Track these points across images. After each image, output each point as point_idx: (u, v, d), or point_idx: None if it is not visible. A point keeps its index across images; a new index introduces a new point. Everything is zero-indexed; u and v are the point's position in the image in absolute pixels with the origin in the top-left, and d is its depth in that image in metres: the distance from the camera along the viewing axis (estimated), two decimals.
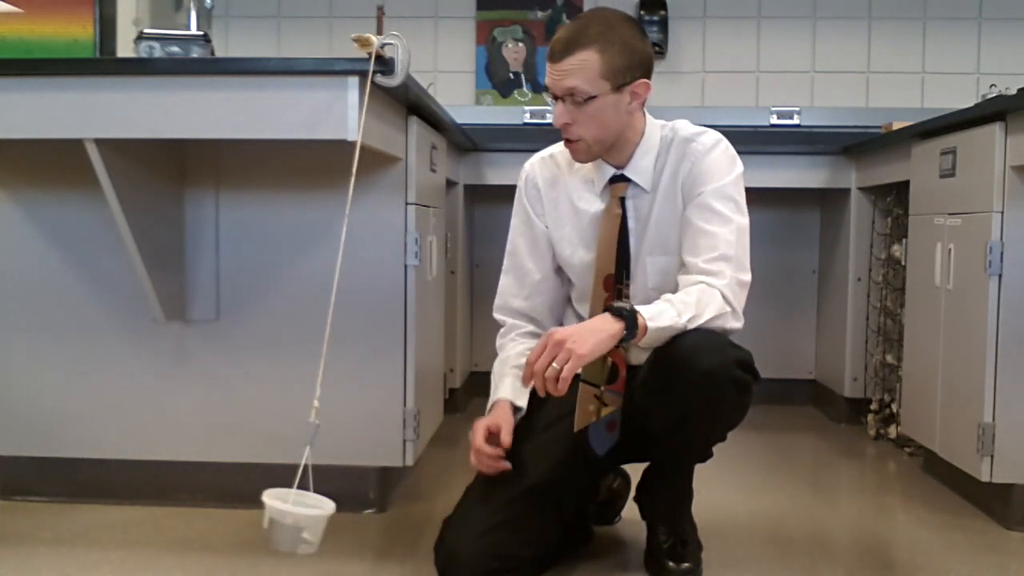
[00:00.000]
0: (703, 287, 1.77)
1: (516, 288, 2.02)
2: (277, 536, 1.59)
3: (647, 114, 1.93)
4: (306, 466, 1.65)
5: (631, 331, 1.68)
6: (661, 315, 1.71)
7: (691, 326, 1.73)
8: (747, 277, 1.83)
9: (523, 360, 1.77)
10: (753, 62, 3.95)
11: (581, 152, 1.87)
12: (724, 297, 1.77)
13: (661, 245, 1.90)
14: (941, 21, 3.89)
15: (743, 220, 1.85)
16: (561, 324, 2.05)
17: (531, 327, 2.01)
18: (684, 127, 1.92)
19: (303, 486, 1.65)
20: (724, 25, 3.94)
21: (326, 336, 1.80)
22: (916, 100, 3.90)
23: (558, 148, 1.99)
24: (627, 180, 1.90)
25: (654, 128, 1.92)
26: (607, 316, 1.70)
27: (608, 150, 1.88)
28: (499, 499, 1.81)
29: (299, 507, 1.61)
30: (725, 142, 1.91)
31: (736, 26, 3.94)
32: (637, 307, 1.72)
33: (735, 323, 1.80)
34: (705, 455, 1.89)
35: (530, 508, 1.82)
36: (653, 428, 1.84)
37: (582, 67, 1.78)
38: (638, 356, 1.87)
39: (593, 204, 1.94)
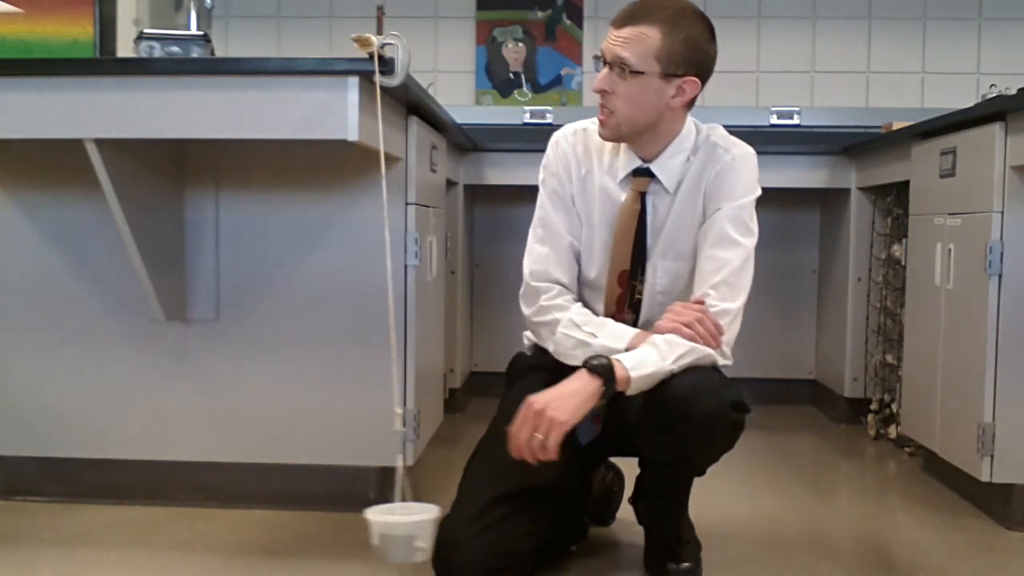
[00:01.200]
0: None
1: (556, 257, 1.92)
2: (390, 550, 1.60)
3: (690, 118, 1.91)
4: (403, 477, 1.65)
5: (609, 385, 1.68)
6: (644, 363, 1.70)
7: (677, 366, 1.71)
8: (742, 301, 1.82)
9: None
10: (753, 62, 3.95)
11: (609, 128, 1.84)
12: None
13: (674, 249, 1.89)
14: (941, 21, 3.89)
15: (750, 242, 1.84)
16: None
17: (573, 294, 1.94)
18: (719, 133, 1.91)
19: (401, 497, 1.66)
20: (724, 25, 3.88)
21: (392, 341, 1.80)
22: (916, 100, 3.90)
23: (591, 124, 1.95)
24: (651, 175, 1.88)
25: (691, 131, 1.90)
26: (583, 374, 1.68)
27: (638, 137, 1.86)
28: (490, 496, 1.80)
29: (406, 517, 1.61)
30: (754, 157, 1.89)
31: (736, 26, 3.94)
32: (618, 356, 1.70)
33: (724, 361, 1.80)
34: (698, 475, 1.90)
35: (523, 504, 1.82)
36: (648, 460, 1.86)
37: (640, 40, 1.77)
38: None
39: (615, 192, 1.91)
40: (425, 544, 1.61)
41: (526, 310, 1.94)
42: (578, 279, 1.98)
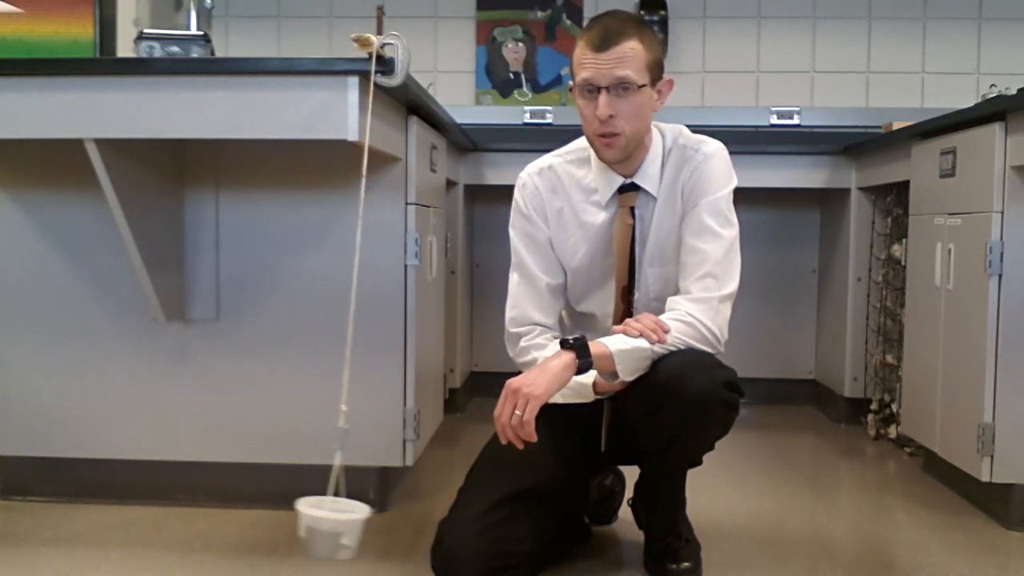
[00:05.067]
0: (679, 325, 1.77)
1: (535, 300, 1.95)
2: (315, 544, 1.60)
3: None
4: (338, 472, 1.65)
5: (583, 358, 1.71)
6: (623, 341, 1.73)
7: (664, 342, 1.74)
8: (730, 289, 1.83)
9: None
10: (753, 62, 3.95)
11: (618, 148, 1.83)
12: (703, 324, 1.78)
13: (660, 255, 1.90)
14: (941, 21, 3.89)
15: (732, 232, 1.86)
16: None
17: (555, 332, 1.98)
18: (685, 134, 1.92)
19: (333, 492, 1.65)
20: (724, 25, 3.95)
21: (348, 339, 1.80)
22: (916, 100, 3.90)
23: (554, 159, 1.97)
24: (636, 188, 1.89)
25: (658, 136, 1.92)
26: (559, 351, 1.73)
27: (633, 152, 1.87)
28: (493, 498, 1.81)
29: (335, 513, 1.61)
30: (725, 152, 1.91)
31: (736, 26, 3.94)
32: (599, 339, 1.75)
33: (717, 347, 1.81)
34: (695, 463, 1.91)
35: (525, 506, 1.83)
36: (643, 445, 1.86)
37: (633, 55, 1.78)
38: None
39: (597, 216, 1.92)
40: (351, 543, 1.60)
41: (510, 353, 1.98)
42: (569, 309, 2.01)
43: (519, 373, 1.95)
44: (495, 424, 1.71)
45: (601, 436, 1.97)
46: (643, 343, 1.73)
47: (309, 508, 1.61)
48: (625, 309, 1.92)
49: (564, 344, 1.73)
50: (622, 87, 1.78)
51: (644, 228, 1.91)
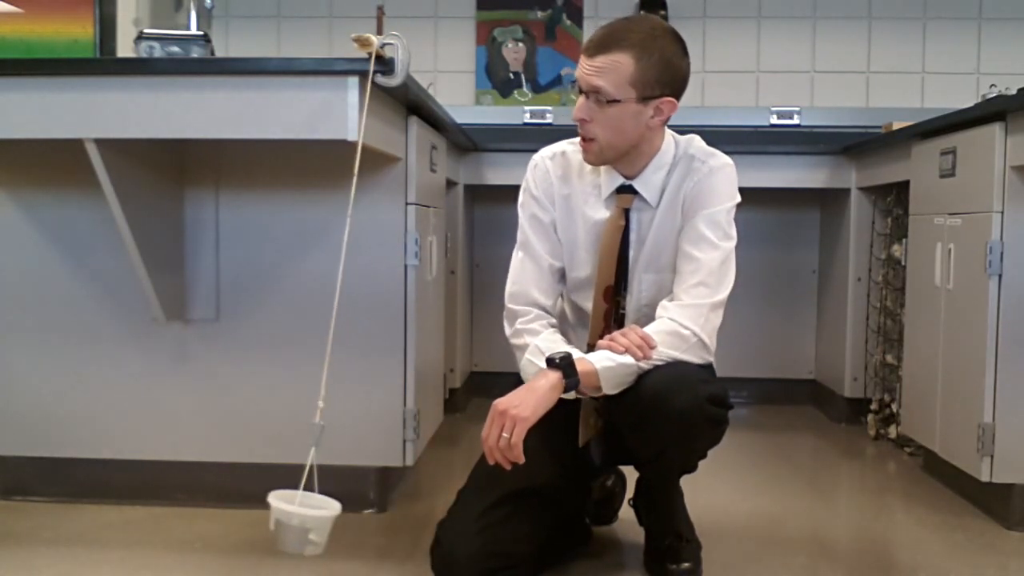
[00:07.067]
0: (666, 337, 1.77)
1: (536, 279, 1.94)
2: (284, 537, 1.60)
3: (668, 132, 1.92)
4: (311, 467, 1.65)
5: (570, 377, 1.70)
6: (609, 357, 1.73)
7: (649, 358, 1.73)
8: (721, 297, 1.82)
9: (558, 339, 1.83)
10: (753, 62, 3.95)
11: (593, 153, 1.85)
12: (691, 332, 1.77)
13: (656, 262, 1.90)
14: (941, 21, 3.89)
15: (728, 245, 1.85)
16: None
17: (551, 319, 1.97)
18: (696, 146, 1.92)
19: (308, 487, 1.65)
20: (724, 25, 3.94)
21: (329, 337, 1.80)
22: (916, 100, 3.90)
23: (568, 146, 1.97)
24: (634, 192, 1.89)
25: (670, 145, 1.91)
26: (545, 371, 1.72)
27: (621, 158, 1.87)
28: (491, 498, 1.81)
29: (305, 508, 1.61)
30: (732, 167, 1.90)
31: (736, 26, 3.94)
32: (582, 355, 1.74)
33: (706, 355, 1.80)
34: (687, 471, 1.91)
35: (523, 506, 1.83)
36: (634, 453, 1.87)
37: (613, 68, 1.76)
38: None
39: (598, 211, 1.92)
40: (319, 539, 1.61)
41: (506, 331, 1.97)
42: (567, 299, 2.01)
43: (519, 376, 1.97)
44: (483, 446, 1.70)
45: (594, 437, 1.96)
46: (628, 359, 1.72)
47: (280, 501, 1.61)
48: (609, 309, 1.92)
49: (551, 363, 1.72)
50: (596, 96, 1.79)
51: (641, 232, 1.91)
